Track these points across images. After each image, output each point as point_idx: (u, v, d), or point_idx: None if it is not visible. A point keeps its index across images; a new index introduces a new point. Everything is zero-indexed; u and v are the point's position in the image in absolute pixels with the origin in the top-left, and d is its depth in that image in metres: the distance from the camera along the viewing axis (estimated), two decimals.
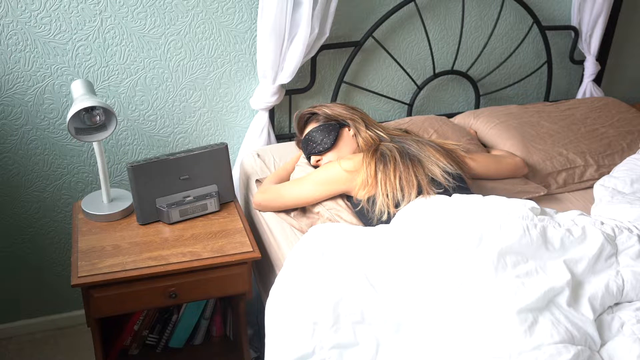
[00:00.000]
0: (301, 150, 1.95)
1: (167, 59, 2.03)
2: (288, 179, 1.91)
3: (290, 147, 2.11)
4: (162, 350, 1.97)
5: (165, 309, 1.93)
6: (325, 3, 2.02)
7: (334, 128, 1.83)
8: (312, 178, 1.76)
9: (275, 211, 1.86)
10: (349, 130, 1.84)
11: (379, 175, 1.64)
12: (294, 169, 1.94)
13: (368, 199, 1.65)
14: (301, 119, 1.92)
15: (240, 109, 2.20)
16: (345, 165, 1.70)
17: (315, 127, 1.85)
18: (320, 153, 1.82)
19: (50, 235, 2.18)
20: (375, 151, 1.70)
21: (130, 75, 2.01)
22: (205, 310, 1.97)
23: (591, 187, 2.06)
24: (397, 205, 1.60)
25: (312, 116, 1.90)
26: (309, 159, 1.87)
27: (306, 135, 1.86)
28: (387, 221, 1.60)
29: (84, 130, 1.71)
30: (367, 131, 1.81)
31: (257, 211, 1.91)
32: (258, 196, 1.86)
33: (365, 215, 1.67)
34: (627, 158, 2.08)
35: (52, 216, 2.15)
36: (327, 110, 1.86)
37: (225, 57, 2.10)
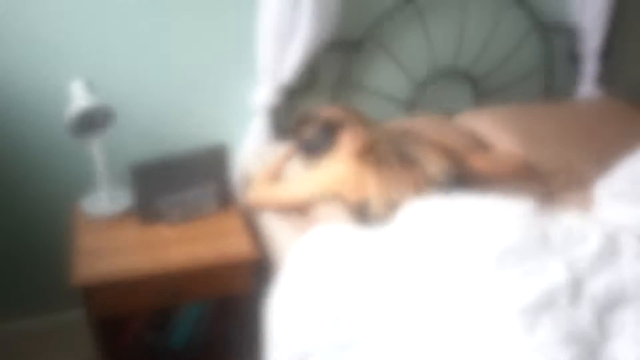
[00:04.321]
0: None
1: (167, 59, 2.03)
2: (279, 173, 1.91)
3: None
4: (162, 350, 1.98)
5: (165, 309, 1.93)
6: (325, 3, 2.02)
7: (332, 130, 1.83)
8: (307, 178, 1.76)
9: (271, 210, 1.86)
10: (347, 132, 1.84)
11: (376, 176, 1.64)
12: (284, 161, 1.94)
13: (365, 201, 1.65)
14: (298, 121, 1.92)
15: (240, 109, 2.20)
16: (341, 167, 1.70)
17: (313, 130, 1.85)
18: (318, 155, 1.82)
19: (50, 235, 2.17)
20: (373, 152, 1.70)
21: (130, 75, 2.01)
22: (205, 311, 1.97)
23: (591, 187, 2.05)
24: (394, 207, 1.60)
25: (309, 118, 1.90)
26: (306, 161, 1.87)
27: (304, 137, 1.86)
28: (385, 222, 1.60)
29: (84, 130, 1.71)
30: (365, 133, 1.81)
31: (257, 211, 1.91)
32: (252, 195, 1.88)
33: (363, 216, 1.67)
34: (627, 158, 2.08)
35: (52, 216, 2.14)
36: (324, 113, 1.87)
37: (225, 57, 2.10)
